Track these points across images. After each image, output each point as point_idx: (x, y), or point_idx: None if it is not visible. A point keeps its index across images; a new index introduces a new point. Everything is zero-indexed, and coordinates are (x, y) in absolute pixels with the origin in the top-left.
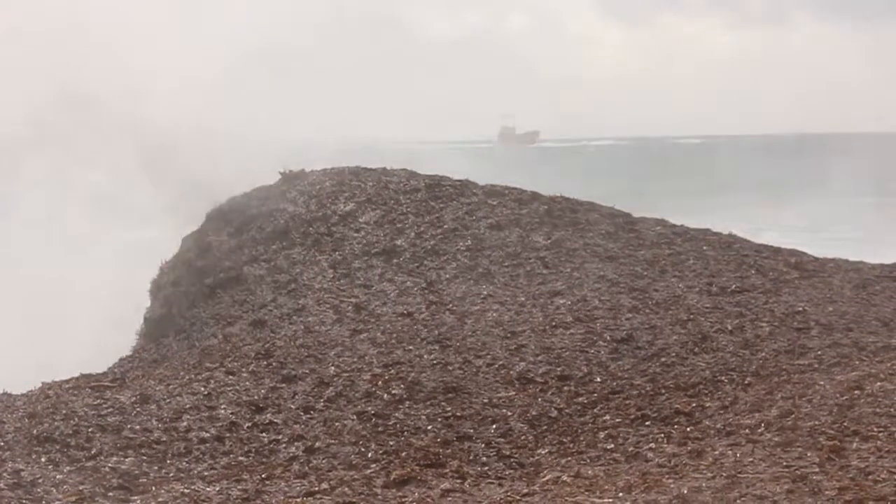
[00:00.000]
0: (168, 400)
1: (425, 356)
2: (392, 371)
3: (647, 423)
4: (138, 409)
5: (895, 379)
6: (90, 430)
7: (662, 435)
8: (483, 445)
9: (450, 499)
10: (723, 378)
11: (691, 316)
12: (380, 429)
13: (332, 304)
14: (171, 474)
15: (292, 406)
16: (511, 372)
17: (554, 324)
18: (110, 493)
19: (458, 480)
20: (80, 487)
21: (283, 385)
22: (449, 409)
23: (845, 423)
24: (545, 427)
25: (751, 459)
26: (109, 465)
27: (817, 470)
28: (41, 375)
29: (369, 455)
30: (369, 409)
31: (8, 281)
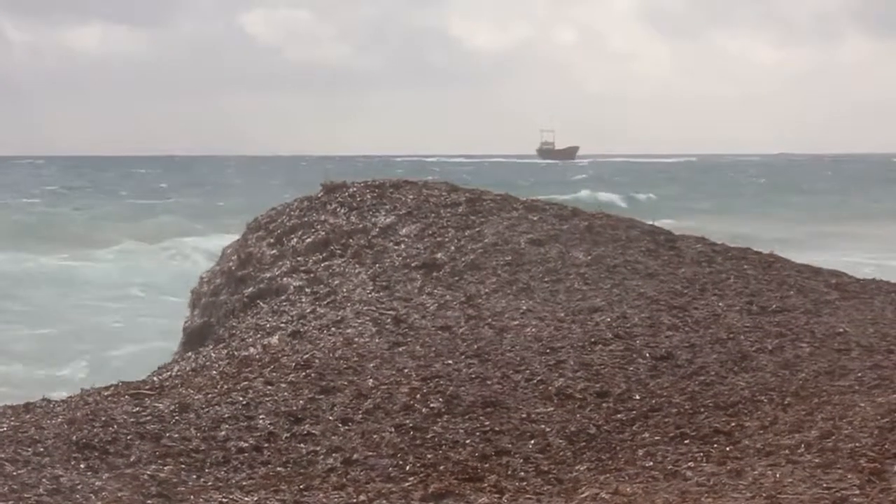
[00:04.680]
0: (207, 409)
1: (464, 370)
2: (430, 384)
3: (686, 441)
4: (177, 418)
5: None
6: (129, 437)
7: (701, 454)
8: (521, 460)
9: None
10: (762, 398)
11: (731, 335)
12: (418, 442)
13: (371, 317)
14: (210, 483)
15: (331, 417)
16: (550, 387)
17: (593, 340)
18: (149, 501)
19: (497, 495)
20: (119, 494)
21: (322, 396)
22: (487, 423)
23: (886, 446)
24: (583, 443)
25: (790, 480)
26: (148, 472)
27: (857, 492)
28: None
29: (407, 468)
30: (407, 421)
31: None
